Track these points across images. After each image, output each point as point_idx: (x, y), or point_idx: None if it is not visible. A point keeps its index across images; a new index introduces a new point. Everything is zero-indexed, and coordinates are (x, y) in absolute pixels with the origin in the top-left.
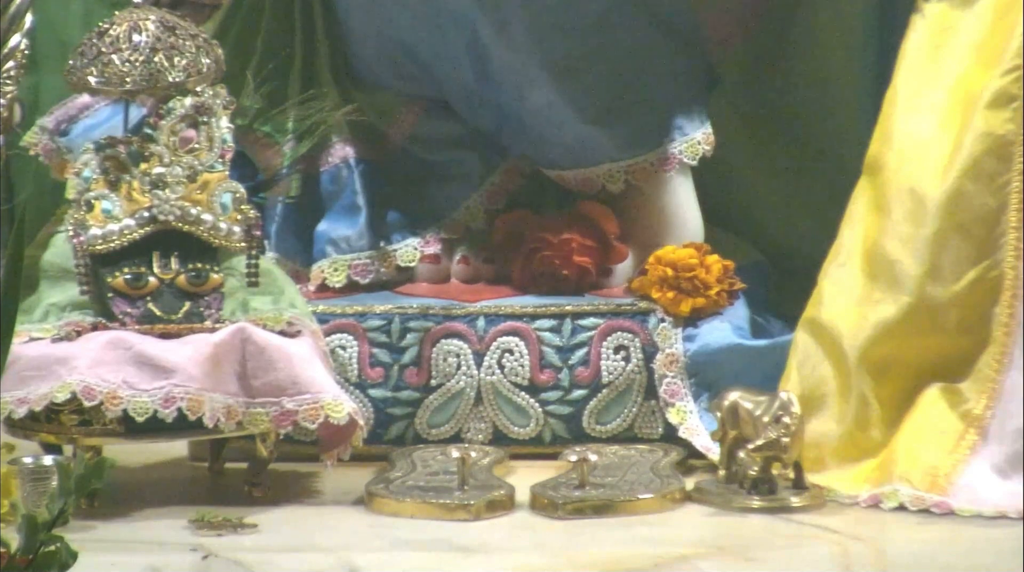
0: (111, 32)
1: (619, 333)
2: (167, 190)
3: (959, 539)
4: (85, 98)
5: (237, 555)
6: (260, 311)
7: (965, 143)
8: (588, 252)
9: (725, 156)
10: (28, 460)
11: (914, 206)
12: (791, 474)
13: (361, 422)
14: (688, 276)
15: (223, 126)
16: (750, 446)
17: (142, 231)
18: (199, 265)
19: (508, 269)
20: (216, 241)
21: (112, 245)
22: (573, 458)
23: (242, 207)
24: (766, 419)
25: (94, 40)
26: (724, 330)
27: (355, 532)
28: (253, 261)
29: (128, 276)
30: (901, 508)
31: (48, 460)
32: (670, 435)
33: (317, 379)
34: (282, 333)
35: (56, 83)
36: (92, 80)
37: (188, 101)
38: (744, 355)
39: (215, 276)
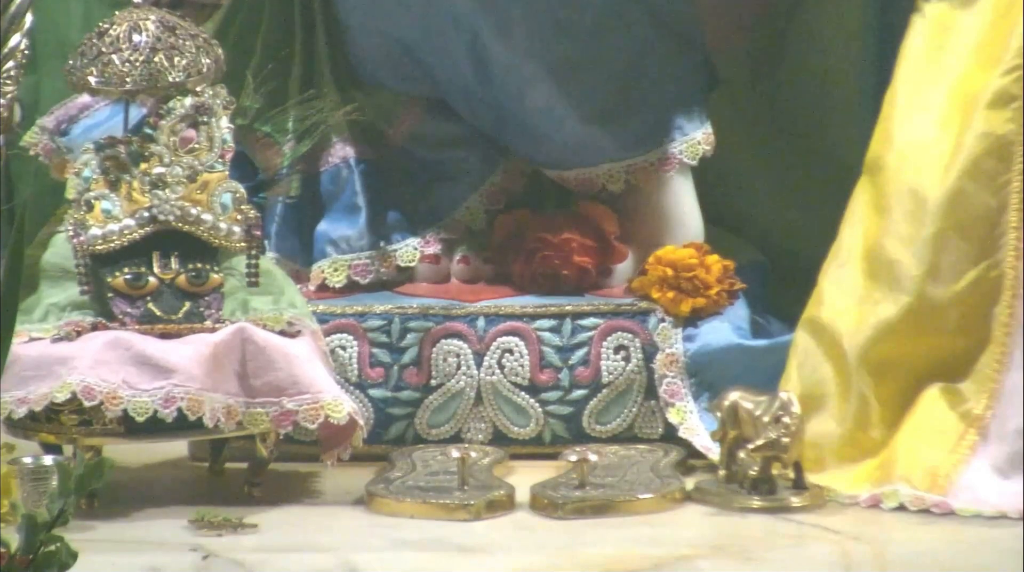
0: (111, 32)
1: (619, 333)
2: (167, 190)
3: (959, 539)
4: (85, 98)
5: (237, 555)
6: (260, 311)
7: (965, 143)
8: (588, 252)
9: (725, 156)
10: (28, 460)
11: (914, 206)
12: (791, 474)
13: (361, 422)
14: (688, 276)
15: (223, 126)
16: (750, 446)
17: (142, 231)
18: (199, 265)
19: (508, 269)
20: (216, 241)
21: (112, 245)
22: (573, 458)
23: (242, 207)
24: (766, 419)
25: (94, 40)
26: (724, 330)
27: (355, 532)
28: (253, 261)
29: (128, 276)
30: (901, 508)
31: (48, 460)
32: (670, 435)
33: (317, 379)
34: (282, 333)
35: (56, 83)
36: (92, 80)
37: (188, 101)
38: (744, 355)
39: (215, 276)
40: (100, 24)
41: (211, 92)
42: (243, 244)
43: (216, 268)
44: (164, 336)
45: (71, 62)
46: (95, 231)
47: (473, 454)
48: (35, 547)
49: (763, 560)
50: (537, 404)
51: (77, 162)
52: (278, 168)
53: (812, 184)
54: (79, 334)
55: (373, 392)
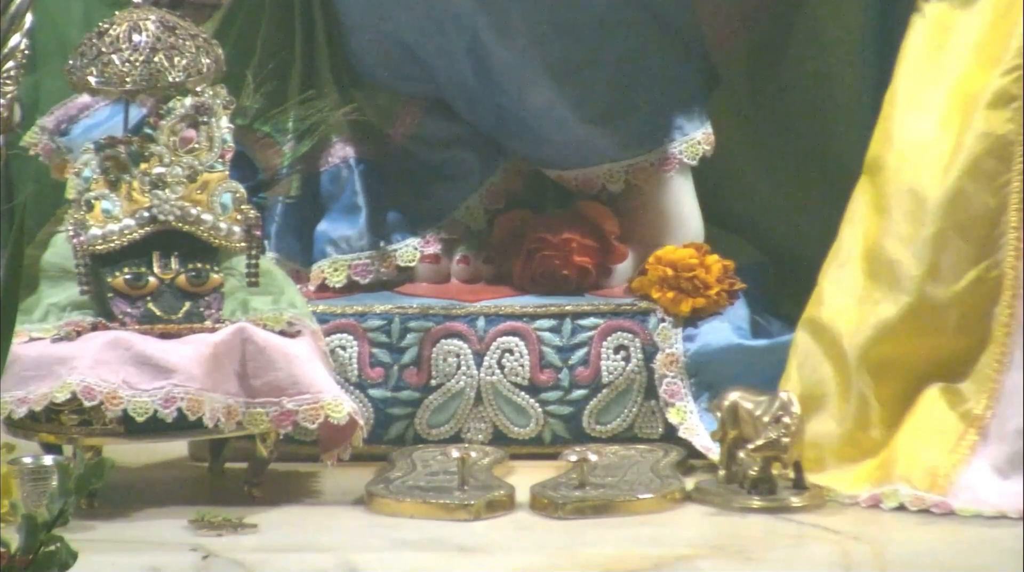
0: (111, 32)
1: (619, 333)
2: (167, 190)
3: (959, 539)
4: (85, 98)
5: (237, 555)
6: (260, 311)
7: (965, 143)
8: (588, 252)
9: (725, 156)
10: (28, 460)
11: (914, 206)
12: (791, 474)
13: (361, 422)
14: (688, 276)
15: (223, 126)
16: (750, 446)
17: (142, 231)
18: (199, 265)
19: (508, 269)
20: (216, 241)
21: (112, 245)
22: (573, 458)
23: (242, 207)
24: (766, 419)
25: (94, 40)
26: (724, 330)
27: (355, 532)
28: (253, 261)
29: (128, 276)
30: (901, 508)
31: (48, 460)
32: (670, 435)
33: (317, 379)
34: (282, 333)
35: (56, 83)
36: (92, 80)
37: (188, 101)
38: (744, 355)
39: (215, 276)
40: (100, 24)
41: (211, 92)
42: (243, 244)
43: (216, 268)
44: (164, 336)
45: (71, 62)
46: (95, 231)
47: (473, 454)
48: (35, 547)
49: (763, 560)
50: (537, 404)
51: (77, 162)
52: (278, 168)
53: (812, 184)
54: (79, 334)
55: (373, 392)
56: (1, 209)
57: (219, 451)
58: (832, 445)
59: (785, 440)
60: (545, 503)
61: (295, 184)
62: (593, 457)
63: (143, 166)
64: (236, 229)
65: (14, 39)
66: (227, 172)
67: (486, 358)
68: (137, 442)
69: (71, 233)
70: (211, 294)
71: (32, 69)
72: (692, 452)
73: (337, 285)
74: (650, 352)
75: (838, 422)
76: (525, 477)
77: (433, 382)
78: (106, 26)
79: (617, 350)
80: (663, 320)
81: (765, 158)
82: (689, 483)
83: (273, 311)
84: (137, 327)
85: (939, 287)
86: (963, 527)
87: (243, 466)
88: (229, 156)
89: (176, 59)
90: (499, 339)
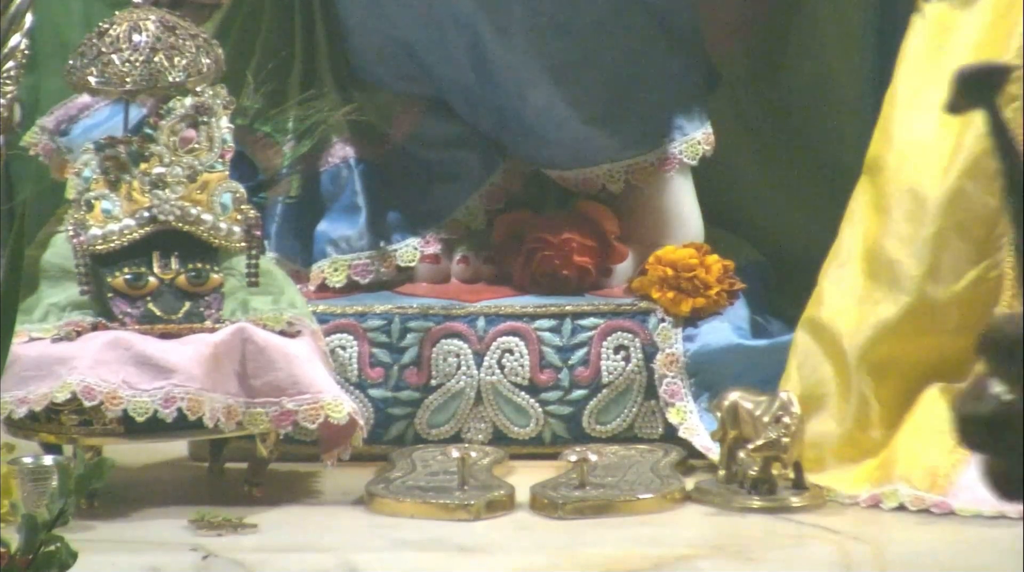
0: (111, 32)
1: (619, 333)
2: (167, 190)
3: (959, 539)
4: (85, 98)
5: (237, 555)
6: (260, 311)
7: (965, 143)
8: (588, 252)
9: (725, 156)
10: (28, 460)
11: (914, 206)
12: (791, 474)
13: (361, 422)
14: (688, 276)
15: (223, 126)
16: (750, 446)
17: (142, 231)
18: (199, 265)
19: (508, 269)
20: (216, 241)
21: (112, 245)
22: (573, 458)
23: (242, 207)
24: (766, 419)
25: (94, 40)
26: (724, 330)
27: (355, 532)
28: (253, 261)
29: (128, 276)
30: (901, 508)
31: (48, 460)
32: (670, 435)
33: (317, 379)
34: (282, 333)
35: (56, 83)
36: (92, 80)
37: (188, 101)
38: (744, 355)
39: (215, 276)
40: (100, 24)
41: (211, 92)
42: (243, 244)
43: (216, 268)
44: (164, 336)
45: (71, 62)
46: (95, 231)
47: (473, 454)
48: (35, 547)
49: (763, 560)
50: (537, 404)
51: (77, 162)
52: (278, 168)
53: (812, 184)
54: (79, 334)
55: (373, 392)
56: (1, 209)
57: (219, 451)
58: (832, 445)
59: (785, 440)
60: (545, 503)
61: (295, 184)
62: (593, 457)
63: (143, 166)
64: (236, 229)
65: (14, 39)
66: (227, 172)
67: (486, 358)
68: (137, 442)
69: (71, 233)
70: (211, 294)
71: (32, 69)
72: (692, 452)
73: (337, 285)
74: (650, 352)
75: (838, 422)
76: (525, 477)
77: (433, 382)
78: (106, 26)
79: (617, 350)
80: (663, 320)
81: (765, 158)
82: (689, 483)
83: (273, 311)
84: (137, 327)
85: (939, 287)
86: (963, 527)
87: (243, 466)
88: (229, 156)
89: (176, 59)
90: (499, 339)
